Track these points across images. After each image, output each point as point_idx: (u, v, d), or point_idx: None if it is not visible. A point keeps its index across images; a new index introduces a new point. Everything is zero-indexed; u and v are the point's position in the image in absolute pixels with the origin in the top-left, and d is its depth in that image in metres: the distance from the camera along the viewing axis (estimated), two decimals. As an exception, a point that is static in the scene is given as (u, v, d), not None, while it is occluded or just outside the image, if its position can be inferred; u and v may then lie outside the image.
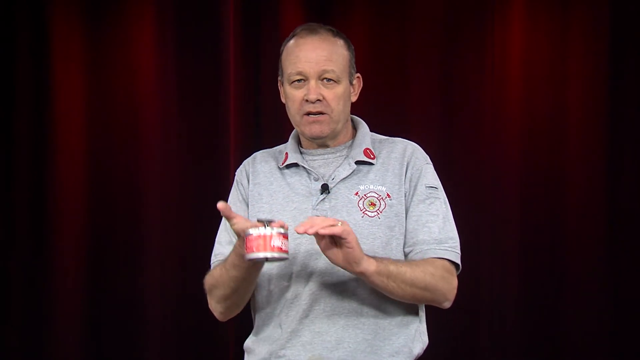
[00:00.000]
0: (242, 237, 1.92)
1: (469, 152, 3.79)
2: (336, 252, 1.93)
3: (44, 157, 3.84)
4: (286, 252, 1.90)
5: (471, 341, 3.78)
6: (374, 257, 1.97)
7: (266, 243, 1.86)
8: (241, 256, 1.94)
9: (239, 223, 1.93)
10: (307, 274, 2.07)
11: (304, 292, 2.07)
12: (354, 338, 2.05)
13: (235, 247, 1.99)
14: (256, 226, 1.88)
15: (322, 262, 2.05)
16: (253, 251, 1.87)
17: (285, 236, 1.89)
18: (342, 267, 1.96)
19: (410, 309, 2.12)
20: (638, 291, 3.72)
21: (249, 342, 2.19)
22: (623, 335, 3.73)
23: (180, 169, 3.85)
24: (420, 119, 3.78)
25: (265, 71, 3.85)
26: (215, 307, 2.15)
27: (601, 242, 3.75)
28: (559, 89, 3.78)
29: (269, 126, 3.81)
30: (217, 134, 3.83)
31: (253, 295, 2.16)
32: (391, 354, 2.07)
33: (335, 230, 1.88)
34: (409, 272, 2.00)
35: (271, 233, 1.86)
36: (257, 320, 2.17)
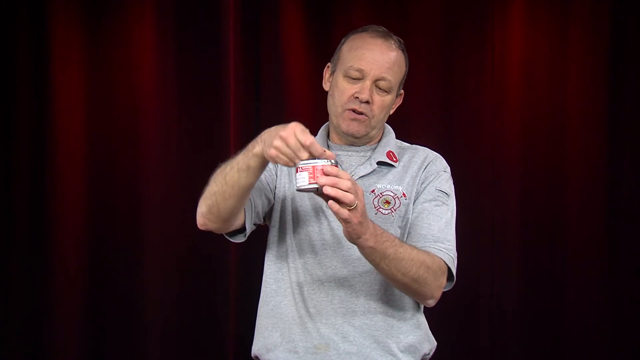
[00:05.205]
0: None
1: (469, 152, 3.79)
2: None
3: (44, 157, 3.84)
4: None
5: (471, 341, 3.79)
6: (375, 232, 1.91)
7: (315, 174, 1.82)
8: (250, 153, 1.94)
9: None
10: (313, 266, 2.09)
11: (310, 284, 2.09)
12: (361, 333, 2.07)
13: (249, 146, 1.96)
14: (324, 153, 1.83)
15: (332, 256, 2.09)
16: (307, 182, 1.83)
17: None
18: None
19: (419, 308, 2.14)
20: (638, 291, 3.72)
21: (258, 348, 2.17)
22: (623, 335, 3.73)
23: (180, 169, 3.84)
24: (421, 118, 3.78)
25: (265, 71, 3.85)
26: (201, 205, 2.05)
27: (601, 242, 3.75)
28: (559, 89, 3.79)
29: (269, 126, 3.80)
30: (217, 133, 3.83)
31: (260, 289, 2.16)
32: (398, 352, 2.09)
33: (342, 214, 1.82)
34: (405, 260, 1.96)
35: (322, 164, 1.82)
36: (264, 314, 2.16)
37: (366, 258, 1.95)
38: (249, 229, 2.12)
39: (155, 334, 3.82)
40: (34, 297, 3.82)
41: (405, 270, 1.96)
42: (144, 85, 3.85)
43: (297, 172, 1.84)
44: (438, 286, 2.04)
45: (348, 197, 1.80)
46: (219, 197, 2.00)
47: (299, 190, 1.85)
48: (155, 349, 3.83)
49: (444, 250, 2.07)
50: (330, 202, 1.81)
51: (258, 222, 2.15)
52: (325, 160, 1.82)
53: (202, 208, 2.05)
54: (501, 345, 3.78)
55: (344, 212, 1.81)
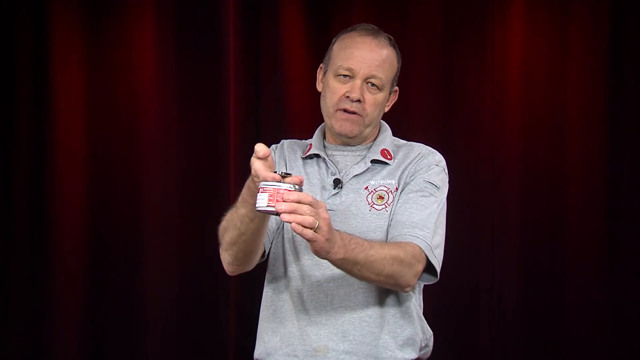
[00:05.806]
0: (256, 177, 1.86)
1: (469, 152, 3.79)
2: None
3: (44, 157, 3.84)
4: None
5: (471, 340, 3.79)
6: (343, 242, 1.88)
7: (275, 198, 1.79)
8: (249, 189, 1.90)
9: (264, 170, 1.84)
10: (311, 268, 2.09)
11: (309, 286, 2.09)
12: (360, 331, 2.07)
13: (247, 183, 1.93)
14: (273, 179, 1.81)
15: None
16: (265, 204, 1.80)
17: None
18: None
19: (416, 302, 2.13)
20: (638, 291, 3.72)
21: (259, 352, 2.17)
22: (623, 335, 3.73)
23: (180, 169, 3.85)
24: (420, 119, 3.78)
25: (265, 71, 3.85)
26: (224, 256, 2.08)
27: (601, 242, 3.75)
28: (559, 89, 3.78)
29: (269, 126, 3.81)
30: (217, 134, 3.83)
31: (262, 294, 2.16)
32: (396, 347, 2.09)
33: (306, 235, 1.79)
34: (377, 261, 1.93)
35: (284, 189, 1.79)
36: (264, 318, 2.17)
37: (338, 268, 1.94)
38: (268, 248, 2.14)
39: (155, 334, 3.83)
40: (34, 297, 3.82)
41: (378, 270, 1.94)
42: (144, 85, 3.85)
43: (259, 191, 1.81)
44: (414, 275, 2.01)
45: (307, 220, 1.77)
46: (241, 246, 2.01)
47: (258, 210, 1.82)
48: (155, 349, 3.83)
49: (420, 237, 2.03)
50: (293, 225, 1.78)
51: (273, 238, 2.16)
52: (290, 185, 1.79)
53: (227, 258, 2.07)
54: (501, 345, 3.78)
55: (308, 232, 1.78)
